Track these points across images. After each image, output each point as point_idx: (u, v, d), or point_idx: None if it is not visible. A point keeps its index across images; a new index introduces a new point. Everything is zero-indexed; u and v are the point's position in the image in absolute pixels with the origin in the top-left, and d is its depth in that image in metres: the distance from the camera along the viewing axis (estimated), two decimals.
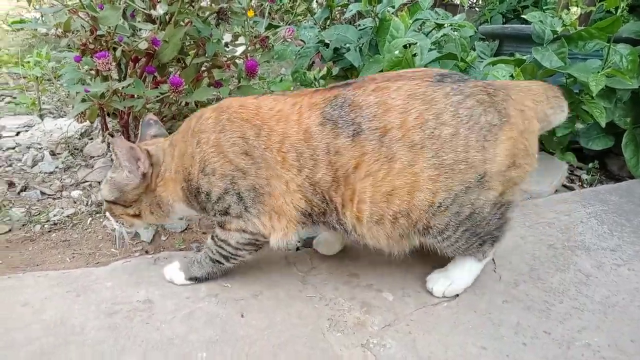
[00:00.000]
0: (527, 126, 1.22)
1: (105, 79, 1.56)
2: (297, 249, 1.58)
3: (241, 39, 1.96)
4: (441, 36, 1.74)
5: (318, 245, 1.54)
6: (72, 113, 1.51)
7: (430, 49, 1.77)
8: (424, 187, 1.15)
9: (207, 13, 1.76)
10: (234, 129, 1.21)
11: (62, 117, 2.59)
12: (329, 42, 2.09)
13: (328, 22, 2.29)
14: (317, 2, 2.01)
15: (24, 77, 3.35)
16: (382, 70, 1.78)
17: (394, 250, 1.29)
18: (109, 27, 1.47)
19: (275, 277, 1.41)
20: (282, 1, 2.52)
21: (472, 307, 1.32)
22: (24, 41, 4.31)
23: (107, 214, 1.39)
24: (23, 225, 1.65)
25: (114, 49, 1.55)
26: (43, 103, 2.61)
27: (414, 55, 1.66)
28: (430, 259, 1.42)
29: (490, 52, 2.55)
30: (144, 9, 1.48)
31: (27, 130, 2.32)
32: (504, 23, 3.70)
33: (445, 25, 1.99)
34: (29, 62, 2.56)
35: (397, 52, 1.68)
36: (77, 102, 1.54)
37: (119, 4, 1.47)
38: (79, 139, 2.21)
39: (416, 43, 1.68)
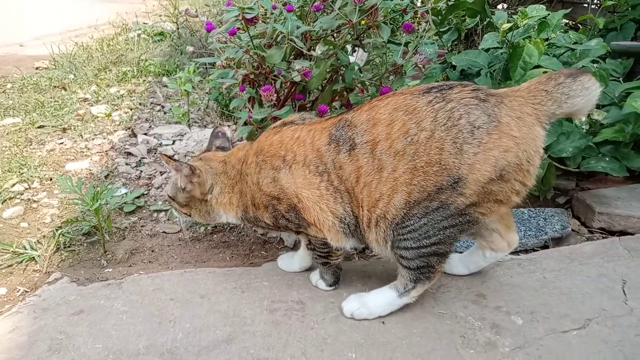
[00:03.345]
0: (524, 134, 1.17)
1: (261, 105, 1.83)
2: None
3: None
4: (580, 67, 1.76)
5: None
6: (237, 135, 1.80)
7: None
8: (400, 189, 1.23)
9: (349, 45, 1.94)
10: (266, 166, 1.41)
11: (206, 126, 2.96)
12: (455, 64, 2.17)
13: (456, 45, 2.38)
14: (431, 21, 2.11)
15: (166, 86, 3.85)
16: None
17: (389, 257, 1.37)
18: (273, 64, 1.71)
19: None
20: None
21: (603, 338, 1.35)
22: (161, 51, 4.89)
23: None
24: (190, 226, 1.97)
25: (274, 81, 1.80)
26: (190, 113, 3.00)
27: None
28: (548, 289, 1.48)
29: (622, 70, 2.45)
30: (301, 48, 1.69)
31: (180, 140, 2.71)
32: (636, 31, 3.46)
33: (577, 49, 1.99)
34: (180, 77, 2.96)
35: None
36: (240, 125, 1.82)
37: (282, 45, 1.70)
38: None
39: None
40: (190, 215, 1.61)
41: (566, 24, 3.73)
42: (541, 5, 1.90)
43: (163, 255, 1.81)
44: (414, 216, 1.24)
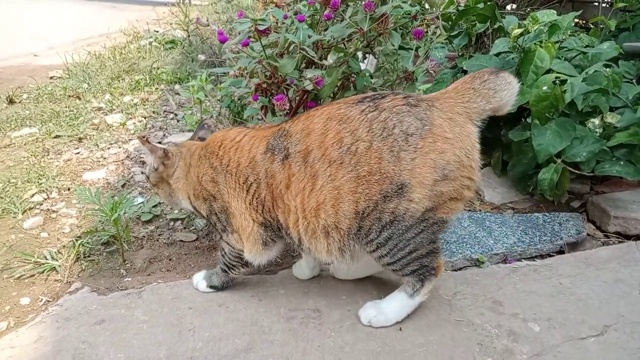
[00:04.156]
0: (458, 133, 1.23)
1: (274, 113, 1.85)
2: None
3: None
4: (593, 72, 1.76)
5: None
6: None
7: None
8: (346, 198, 1.26)
9: (360, 52, 1.96)
10: (206, 162, 1.49)
11: None
12: (467, 69, 2.18)
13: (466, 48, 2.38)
14: (441, 27, 2.11)
15: (178, 94, 3.90)
16: (527, 102, 1.84)
17: (342, 265, 1.43)
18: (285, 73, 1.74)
19: (423, 299, 1.57)
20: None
21: (621, 345, 1.35)
22: (173, 58, 4.95)
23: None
24: (206, 234, 1.99)
25: (286, 89, 1.82)
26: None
27: (564, 91, 1.71)
28: (565, 295, 1.48)
29: (636, 72, 2.43)
30: (313, 57, 1.71)
31: None
32: None
33: (589, 52, 1.99)
34: (193, 85, 3.00)
35: (545, 87, 1.74)
36: None
37: (294, 55, 1.72)
38: None
39: (566, 80, 1.72)
40: (159, 195, 1.69)
41: (577, 24, 3.70)
42: (551, 10, 1.89)
43: (181, 263, 1.84)
44: (372, 229, 1.27)
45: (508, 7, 4.10)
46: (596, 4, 4.31)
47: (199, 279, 1.63)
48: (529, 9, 4.10)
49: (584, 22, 3.85)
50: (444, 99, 1.29)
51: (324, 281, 1.67)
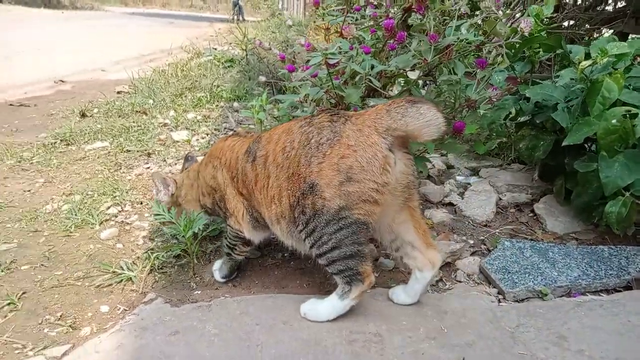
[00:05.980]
0: (361, 141, 1.41)
1: None
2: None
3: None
4: None
5: (391, 295, 1.76)
6: None
7: None
8: (284, 193, 1.54)
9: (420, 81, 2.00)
10: (210, 165, 1.84)
11: None
12: (530, 96, 2.17)
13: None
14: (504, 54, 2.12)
15: (237, 112, 4.07)
16: (595, 134, 1.82)
17: (299, 250, 1.67)
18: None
19: (485, 330, 1.58)
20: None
21: None
22: (231, 77, 5.17)
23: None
24: (269, 252, 2.08)
25: None
26: None
27: (634, 126, 1.68)
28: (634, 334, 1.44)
29: None
30: (377, 87, 1.78)
31: None
32: None
33: None
34: (254, 105, 3.13)
35: (614, 121, 1.72)
36: None
37: (360, 84, 1.79)
38: None
39: (637, 114, 1.69)
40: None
41: None
42: (622, 43, 1.86)
43: (245, 279, 1.93)
44: (300, 220, 1.51)
45: (565, 24, 4.01)
46: None
47: (216, 268, 1.91)
48: (588, 26, 4.01)
49: None
50: (360, 115, 1.49)
51: (383, 305, 1.71)
